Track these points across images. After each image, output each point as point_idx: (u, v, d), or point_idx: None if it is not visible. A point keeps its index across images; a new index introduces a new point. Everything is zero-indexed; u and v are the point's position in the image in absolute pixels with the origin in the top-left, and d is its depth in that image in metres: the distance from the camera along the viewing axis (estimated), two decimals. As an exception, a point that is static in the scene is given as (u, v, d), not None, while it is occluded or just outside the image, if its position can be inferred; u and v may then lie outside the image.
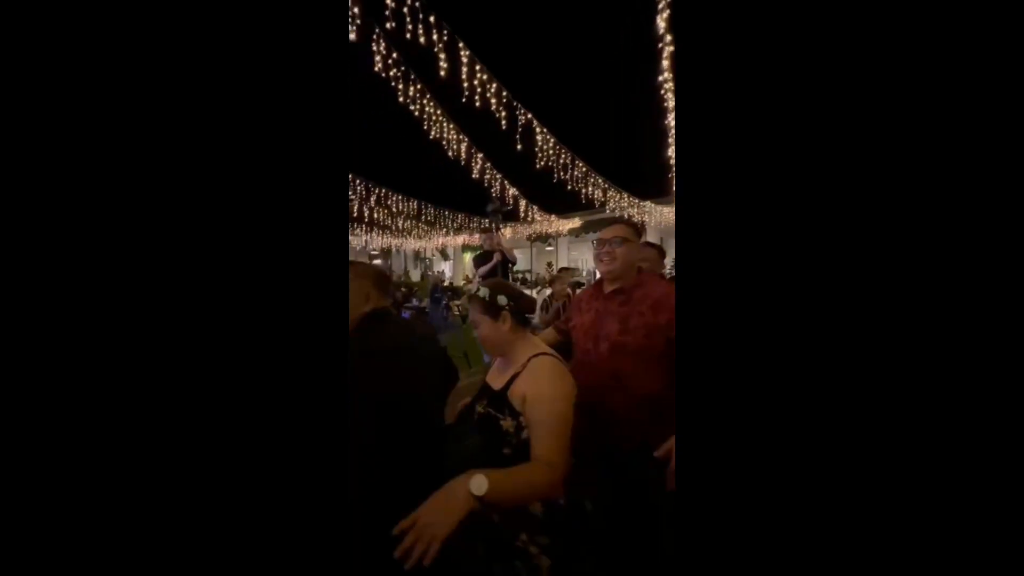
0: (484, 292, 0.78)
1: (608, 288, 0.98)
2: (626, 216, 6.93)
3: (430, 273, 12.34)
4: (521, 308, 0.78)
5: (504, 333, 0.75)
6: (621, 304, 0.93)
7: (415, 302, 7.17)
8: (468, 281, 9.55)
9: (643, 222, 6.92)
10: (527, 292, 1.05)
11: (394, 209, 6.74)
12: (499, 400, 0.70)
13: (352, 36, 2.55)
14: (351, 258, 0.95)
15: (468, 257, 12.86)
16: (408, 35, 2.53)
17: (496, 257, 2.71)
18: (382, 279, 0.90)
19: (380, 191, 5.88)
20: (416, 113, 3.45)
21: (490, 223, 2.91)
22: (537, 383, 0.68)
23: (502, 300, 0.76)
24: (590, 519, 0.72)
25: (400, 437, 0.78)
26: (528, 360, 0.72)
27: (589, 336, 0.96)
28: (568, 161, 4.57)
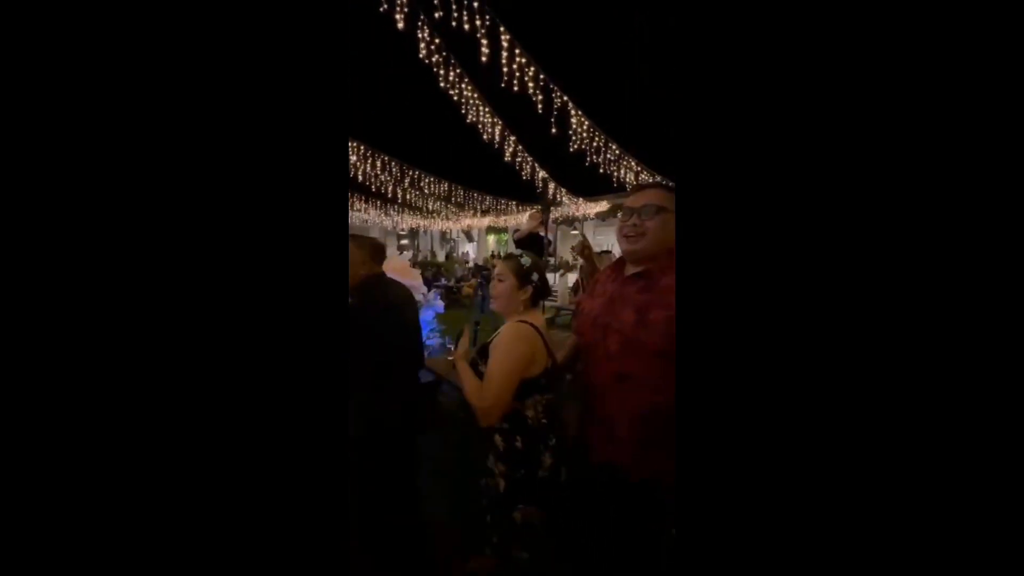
0: (526, 260, 0.90)
1: (630, 271, 0.79)
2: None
3: (455, 254, 12.66)
4: (543, 290, 0.91)
5: (519, 301, 0.88)
6: (641, 291, 0.75)
7: (443, 281, 7.48)
8: (493, 258, 9.78)
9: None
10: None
11: (426, 191, 6.95)
12: (484, 349, 0.88)
13: (400, 25, 2.68)
14: (378, 237, 1.28)
15: (492, 239, 13.00)
16: (453, 22, 2.62)
17: (545, 231, 2.95)
18: (377, 250, 1.18)
19: (414, 173, 6.09)
20: (455, 98, 3.55)
21: (540, 210, 3.15)
22: (500, 339, 0.84)
23: (534, 276, 0.89)
24: (556, 485, 0.84)
25: (388, 375, 1.09)
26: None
27: (597, 325, 0.79)
28: (601, 144, 4.54)
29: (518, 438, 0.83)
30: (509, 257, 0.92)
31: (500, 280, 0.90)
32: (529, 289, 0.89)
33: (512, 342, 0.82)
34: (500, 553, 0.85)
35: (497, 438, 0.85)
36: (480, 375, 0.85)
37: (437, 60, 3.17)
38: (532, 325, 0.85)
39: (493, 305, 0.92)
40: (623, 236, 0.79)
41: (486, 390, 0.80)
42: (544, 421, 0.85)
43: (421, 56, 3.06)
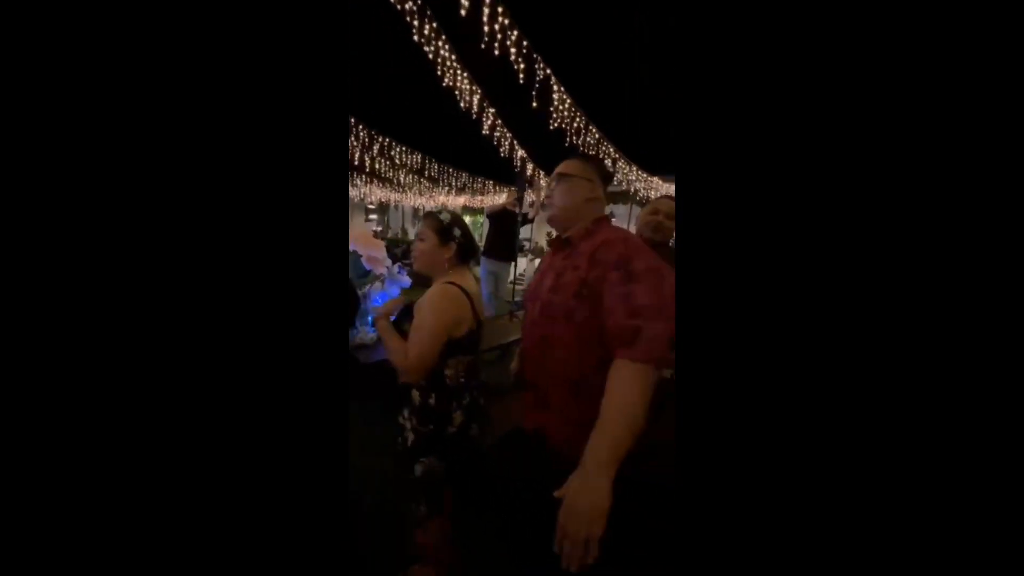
0: (446, 217, 0.88)
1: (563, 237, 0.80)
2: (632, 190, 6.84)
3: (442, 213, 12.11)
4: (467, 248, 0.88)
5: (442, 259, 0.86)
6: (564, 257, 0.76)
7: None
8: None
9: (641, 194, 6.88)
10: (521, 260, 1.18)
11: (397, 161, 6.51)
12: (408, 310, 0.88)
13: (368, -42, 2.35)
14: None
15: (467, 220, 12.61)
16: (430, -37, 2.34)
17: (519, 208, 2.92)
18: None
19: (384, 140, 5.65)
20: (430, 55, 3.25)
21: (517, 189, 3.09)
22: (425, 300, 0.82)
23: (456, 232, 0.87)
24: (465, 440, 0.86)
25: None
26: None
27: (531, 296, 0.82)
28: (582, 126, 4.44)
29: (432, 395, 0.84)
30: (429, 215, 0.90)
31: (421, 240, 0.88)
32: (452, 247, 0.86)
33: (437, 302, 0.81)
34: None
35: (414, 393, 0.86)
36: (405, 335, 0.83)
37: (411, 8, 2.86)
38: (458, 286, 0.83)
39: (415, 266, 0.90)
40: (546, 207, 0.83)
41: (410, 349, 0.79)
42: (462, 380, 0.86)
43: (392, 1, 2.74)
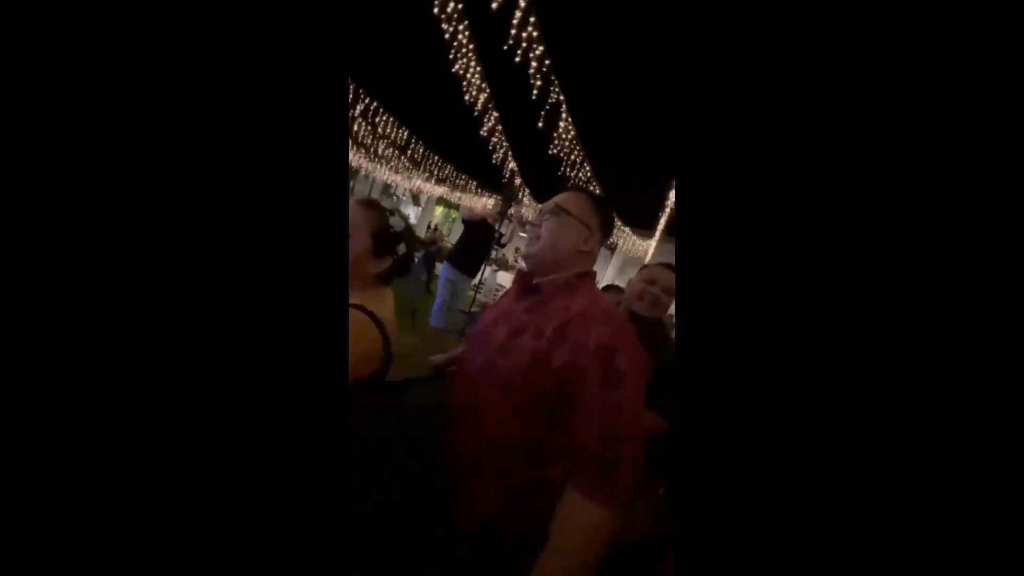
0: (398, 223, 0.64)
1: (533, 282, 0.66)
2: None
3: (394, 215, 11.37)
4: (403, 268, 0.66)
5: (366, 272, 0.61)
6: (526, 310, 0.61)
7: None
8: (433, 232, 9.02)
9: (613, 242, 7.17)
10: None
11: (379, 130, 5.95)
12: None
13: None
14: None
15: (439, 211, 12.12)
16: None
17: (499, 223, 2.71)
18: None
19: (371, 102, 5.11)
20: (447, 35, 2.98)
21: (502, 200, 2.87)
22: None
23: (400, 249, 0.64)
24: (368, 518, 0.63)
25: None
26: None
27: (477, 341, 0.66)
28: (578, 160, 4.45)
29: None
30: (371, 204, 0.64)
31: (352, 230, 0.61)
32: (388, 261, 0.63)
33: None
34: None
35: None
36: None
37: (439, -22, 2.59)
38: (369, 312, 0.58)
39: None
40: (526, 242, 0.68)
41: None
42: None
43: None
